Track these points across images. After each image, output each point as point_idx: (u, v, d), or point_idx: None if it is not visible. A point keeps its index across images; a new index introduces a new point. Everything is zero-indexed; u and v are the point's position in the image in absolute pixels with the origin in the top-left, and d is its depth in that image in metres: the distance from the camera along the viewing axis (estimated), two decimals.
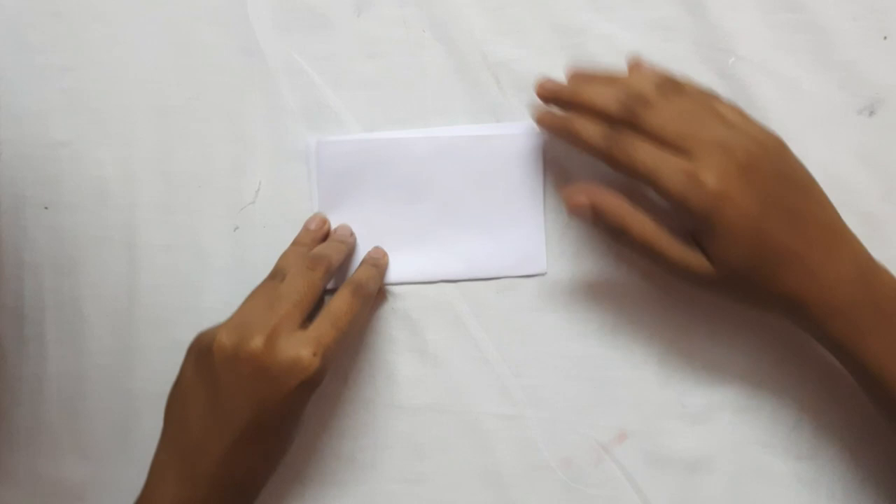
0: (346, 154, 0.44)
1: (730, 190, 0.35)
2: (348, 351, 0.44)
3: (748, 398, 0.43)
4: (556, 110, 0.41)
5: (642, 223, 0.37)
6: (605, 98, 0.38)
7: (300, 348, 0.36)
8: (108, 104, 0.46)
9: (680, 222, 0.37)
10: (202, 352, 0.39)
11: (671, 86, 0.38)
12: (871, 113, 0.44)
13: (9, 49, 0.46)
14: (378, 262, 0.43)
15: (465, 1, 0.45)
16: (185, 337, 0.44)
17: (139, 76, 0.46)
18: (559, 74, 0.44)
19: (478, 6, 0.45)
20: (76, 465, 0.45)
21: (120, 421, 0.45)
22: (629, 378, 0.43)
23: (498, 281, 0.44)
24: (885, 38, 0.44)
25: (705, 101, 0.39)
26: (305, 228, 0.44)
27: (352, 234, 0.44)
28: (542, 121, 0.41)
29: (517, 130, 0.44)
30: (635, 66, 0.41)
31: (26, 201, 0.46)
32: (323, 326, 0.38)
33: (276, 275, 0.41)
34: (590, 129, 0.38)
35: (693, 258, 0.37)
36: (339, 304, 0.39)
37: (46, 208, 0.46)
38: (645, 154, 0.36)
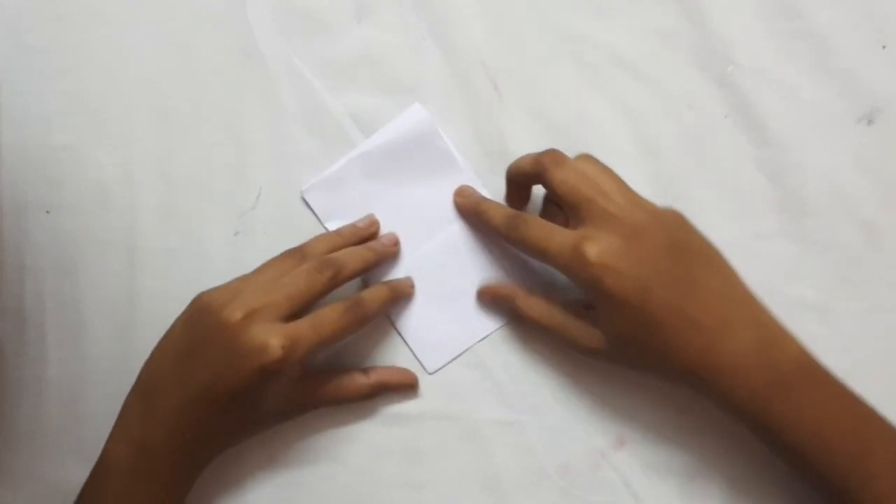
0: (329, 188, 0.45)
1: (611, 260, 0.36)
2: (349, 357, 0.44)
3: None
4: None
5: (533, 307, 0.41)
6: (524, 159, 0.41)
7: (271, 336, 0.37)
8: (108, 107, 0.46)
9: (577, 293, 0.39)
10: (197, 305, 0.40)
11: (585, 155, 0.40)
12: (870, 121, 0.44)
13: (10, 51, 0.46)
14: (396, 289, 0.43)
15: (465, 7, 0.45)
16: None
17: (140, 79, 0.46)
18: (559, 82, 0.45)
19: (478, 12, 0.45)
20: (76, 468, 0.44)
21: None
22: (627, 384, 0.43)
23: None
24: (884, 47, 0.44)
25: (613, 175, 0.39)
26: (353, 224, 0.44)
27: (396, 243, 0.44)
28: (457, 201, 0.44)
29: (415, 118, 0.45)
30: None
31: (28, 204, 0.46)
32: (303, 327, 0.38)
33: (297, 254, 0.41)
34: (494, 212, 0.41)
35: (584, 332, 0.39)
36: (328, 314, 0.39)
37: (48, 212, 0.46)
38: (537, 230, 0.39)
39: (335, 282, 0.40)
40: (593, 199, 0.37)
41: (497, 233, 0.41)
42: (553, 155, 0.39)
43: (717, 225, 0.43)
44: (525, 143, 0.45)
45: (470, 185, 0.44)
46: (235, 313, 0.37)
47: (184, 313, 0.40)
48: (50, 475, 0.45)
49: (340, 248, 0.42)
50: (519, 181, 0.42)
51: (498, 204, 0.43)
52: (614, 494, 0.43)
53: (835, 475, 0.35)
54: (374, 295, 0.42)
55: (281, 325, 0.38)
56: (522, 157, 0.41)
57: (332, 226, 0.44)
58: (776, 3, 0.44)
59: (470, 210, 0.43)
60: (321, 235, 0.43)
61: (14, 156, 0.46)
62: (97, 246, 0.45)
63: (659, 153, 0.45)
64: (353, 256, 0.41)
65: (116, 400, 0.45)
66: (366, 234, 0.44)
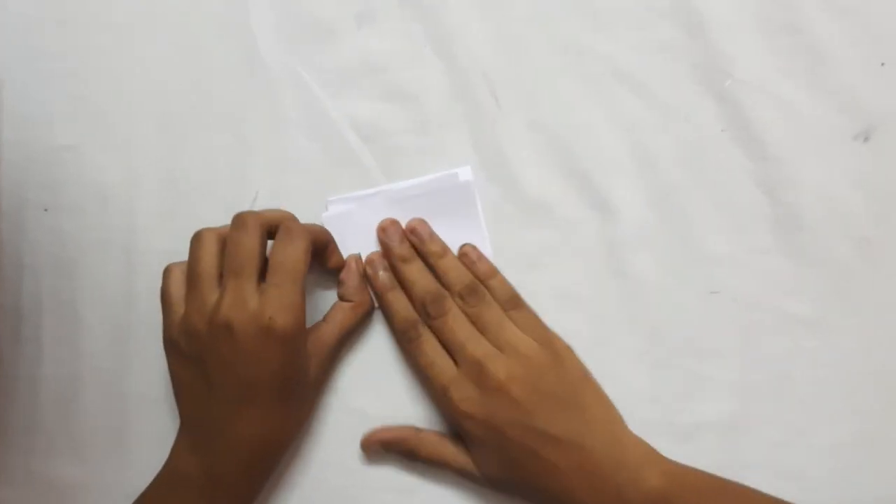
0: (349, 218, 0.45)
1: (471, 409, 0.39)
2: (341, 362, 0.45)
3: (735, 418, 0.43)
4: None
5: (425, 443, 0.42)
6: (418, 287, 0.42)
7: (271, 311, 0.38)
8: (111, 110, 0.46)
9: None
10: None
11: (476, 292, 0.42)
12: (866, 139, 0.44)
13: (15, 53, 0.47)
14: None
15: (467, 17, 0.46)
16: None
17: (143, 82, 0.47)
18: (558, 93, 0.45)
19: (479, 23, 0.45)
20: (70, 466, 0.45)
21: (114, 423, 0.45)
22: (617, 393, 0.43)
23: None
24: (883, 64, 0.44)
25: (497, 314, 0.42)
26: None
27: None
28: (372, 278, 0.44)
29: (456, 179, 0.44)
30: (460, 258, 0.44)
31: (27, 203, 0.46)
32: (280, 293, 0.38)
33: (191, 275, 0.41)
34: (399, 309, 0.43)
35: (470, 465, 0.41)
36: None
37: (46, 210, 0.46)
38: (423, 357, 0.42)
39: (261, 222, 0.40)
40: (468, 346, 0.41)
41: (393, 331, 0.43)
42: (441, 300, 0.42)
43: (712, 239, 0.44)
44: (524, 154, 0.45)
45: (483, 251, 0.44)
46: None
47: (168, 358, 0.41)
48: (45, 472, 0.45)
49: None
50: None
51: (405, 301, 0.43)
52: None
53: None
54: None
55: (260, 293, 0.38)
56: (414, 277, 0.43)
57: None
58: (776, 18, 0.44)
59: (378, 291, 0.43)
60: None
61: (15, 155, 0.46)
62: (96, 246, 0.46)
63: (656, 166, 0.45)
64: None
65: (111, 399, 0.45)
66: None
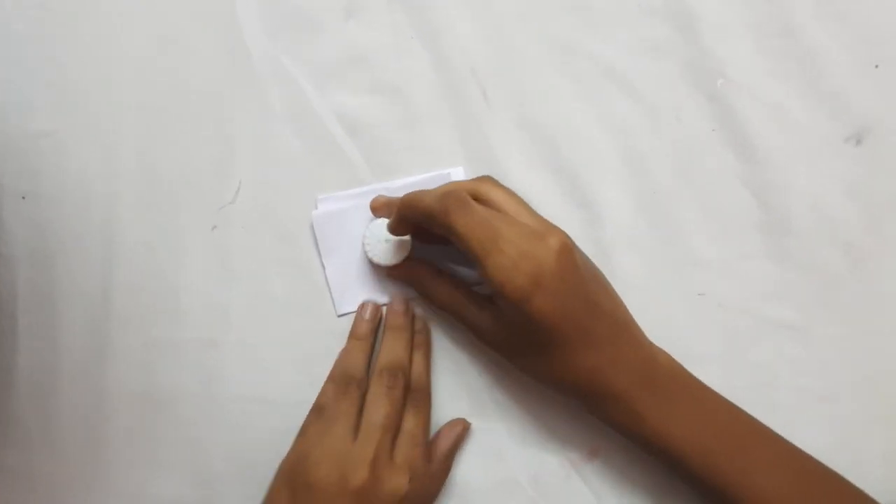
0: (337, 219, 0.44)
1: (543, 279, 0.36)
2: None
3: None
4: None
5: (442, 291, 0.41)
6: (427, 196, 0.38)
7: (398, 477, 0.39)
8: (93, 99, 0.46)
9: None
10: (300, 485, 0.39)
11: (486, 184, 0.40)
12: (858, 142, 0.43)
13: None
14: (428, 354, 0.44)
15: (456, 12, 0.45)
16: (160, 335, 0.44)
17: (126, 72, 0.46)
18: (548, 91, 0.44)
19: (468, 17, 0.45)
20: (45, 459, 0.45)
21: (90, 417, 0.44)
22: None
23: None
24: (877, 66, 0.43)
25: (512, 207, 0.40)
26: (360, 318, 0.43)
27: (406, 310, 0.43)
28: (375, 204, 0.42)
29: (448, 180, 0.44)
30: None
31: (4, 191, 0.45)
32: (409, 451, 0.40)
33: (348, 382, 0.41)
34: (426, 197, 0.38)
35: (484, 321, 0.40)
36: (412, 423, 0.41)
37: (24, 198, 0.45)
38: (482, 231, 0.36)
39: (407, 385, 0.41)
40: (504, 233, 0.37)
41: (429, 214, 0.37)
42: (457, 197, 0.37)
43: (699, 241, 0.44)
44: (512, 151, 0.44)
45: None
46: (359, 475, 0.38)
47: (283, 493, 0.39)
48: (18, 465, 0.45)
49: (368, 352, 0.43)
50: (413, 220, 0.39)
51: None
52: None
53: (715, 475, 0.37)
54: (421, 382, 0.42)
55: (394, 461, 0.39)
56: (422, 193, 0.39)
57: (328, 259, 0.44)
58: (768, 19, 0.44)
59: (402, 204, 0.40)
60: (348, 353, 0.43)
61: None
62: (74, 236, 0.45)
63: (645, 166, 0.44)
64: (402, 348, 0.42)
65: (88, 393, 0.45)
66: (377, 322, 0.44)
